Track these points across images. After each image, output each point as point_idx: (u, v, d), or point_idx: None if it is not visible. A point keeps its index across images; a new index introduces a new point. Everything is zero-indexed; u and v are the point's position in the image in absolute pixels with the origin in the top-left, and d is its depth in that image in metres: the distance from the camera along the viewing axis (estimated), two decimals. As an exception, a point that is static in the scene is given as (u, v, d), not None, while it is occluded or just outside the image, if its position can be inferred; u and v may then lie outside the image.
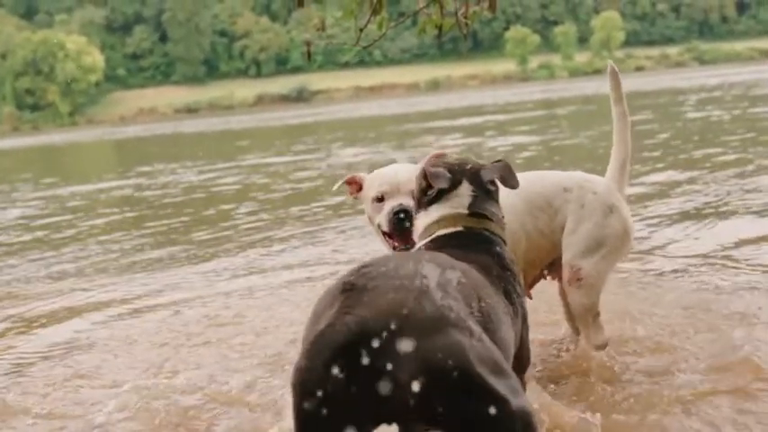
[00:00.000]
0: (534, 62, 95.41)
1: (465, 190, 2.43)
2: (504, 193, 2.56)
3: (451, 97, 56.61)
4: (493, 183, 2.47)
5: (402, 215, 2.91)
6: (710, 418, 2.68)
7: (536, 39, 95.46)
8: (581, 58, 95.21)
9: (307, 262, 5.84)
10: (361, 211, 3.34)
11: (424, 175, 2.47)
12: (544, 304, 3.61)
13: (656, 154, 10.78)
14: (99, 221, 9.86)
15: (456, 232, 2.39)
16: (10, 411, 3.31)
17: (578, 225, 3.11)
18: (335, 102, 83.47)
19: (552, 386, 3.06)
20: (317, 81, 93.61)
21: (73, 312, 4.96)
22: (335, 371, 1.64)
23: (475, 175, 2.45)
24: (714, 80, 39.50)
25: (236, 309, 4.64)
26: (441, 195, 2.45)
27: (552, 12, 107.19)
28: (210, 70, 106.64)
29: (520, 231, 3.04)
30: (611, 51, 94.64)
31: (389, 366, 1.63)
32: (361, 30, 4.23)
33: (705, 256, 4.92)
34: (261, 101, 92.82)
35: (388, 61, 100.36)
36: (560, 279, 3.26)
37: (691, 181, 8.16)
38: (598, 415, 2.68)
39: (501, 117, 25.60)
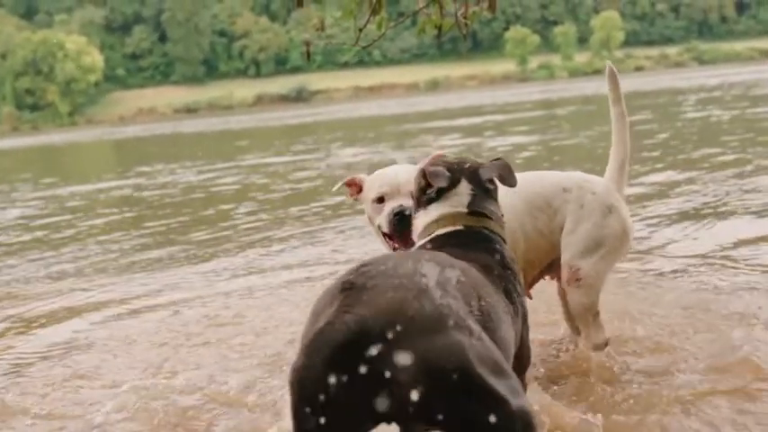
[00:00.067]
0: (534, 62, 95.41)
1: (464, 189, 2.43)
2: (503, 193, 2.56)
3: (451, 97, 56.62)
4: (491, 181, 2.47)
5: (402, 216, 2.91)
6: (710, 418, 2.68)
7: (536, 39, 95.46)
8: (580, 58, 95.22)
9: (306, 262, 5.84)
10: (361, 211, 3.34)
11: (423, 174, 2.47)
12: (543, 304, 3.62)
13: (655, 154, 10.78)
14: (98, 221, 9.85)
15: (456, 231, 2.39)
16: (9, 412, 3.31)
17: (577, 225, 3.11)
18: (335, 102, 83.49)
19: (552, 386, 3.06)
20: (316, 81, 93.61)
21: (72, 312, 4.96)
22: (334, 369, 1.63)
23: (473, 174, 2.45)
24: (714, 80, 39.52)
25: (236, 309, 4.64)
26: (440, 194, 2.45)
27: (552, 12, 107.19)
28: (210, 70, 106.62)
29: (519, 232, 3.04)
30: (611, 51, 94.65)
31: (388, 365, 1.62)
32: (361, 30, 4.23)
33: (704, 256, 4.92)
34: (260, 101, 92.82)
35: (388, 61, 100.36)
36: (559, 279, 3.26)
37: (690, 181, 8.16)
38: (599, 416, 2.68)
39: (500, 117, 25.59)
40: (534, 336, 2.88)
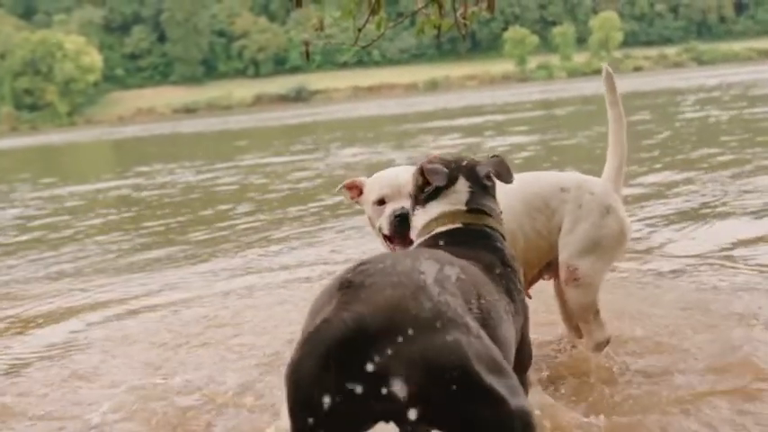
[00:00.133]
0: (533, 62, 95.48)
1: (462, 186, 2.43)
2: (501, 194, 2.56)
3: (450, 97, 56.64)
4: (489, 178, 2.47)
5: (403, 218, 2.91)
6: (709, 418, 2.68)
7: (534, 39, 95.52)
8: (579, 58, 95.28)
9: (304, 262, 5.84)
10: (359, 212, 3.34)
11: (421, 172, 2.46)
12: (542, 304, 3.61)
13: (654, 154, 10.79)
14: (97, 221, 9.85)
15: (455, 229, 2.38)
16: (8, 413, 3.30)
17: (575, 225, 3.11)
18: (334, 102, 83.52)
19: (551, 387, 3.05)
20: (315, 81, 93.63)
21: (71, 313, 4.95)
22: (331, 365, 1.62)
23: (471, 171, 2.45)
24: (712, 80, 39.55)
25: (234, 309, 4.63)
26: (438, 192, 2.44)
27: (551, 12, 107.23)
28: (209, 70, 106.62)
29: (518, 232, 3.04)
30: (610, 52, 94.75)
31: (386, 363, 1.62)
32: (360, 30, 4.23)
33: (703, 256, 4.92)
34: (259, 101, 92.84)
35: (387, 61, 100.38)
36: (557, 279, 3.27)
37: (688, 181, 8.17)
38: (601, 416, 2.68)
39: (499, 117, 25.60)
40: (533, 336, 2.86)
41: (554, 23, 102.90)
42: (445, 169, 2.42)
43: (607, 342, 3.21)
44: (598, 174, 3.33)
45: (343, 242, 6.53)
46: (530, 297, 3.19)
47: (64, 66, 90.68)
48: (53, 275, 6.32)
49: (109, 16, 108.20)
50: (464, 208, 2.41)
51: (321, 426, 1.64)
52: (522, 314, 2.27)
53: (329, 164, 14.67)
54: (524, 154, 12.84)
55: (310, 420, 1.64)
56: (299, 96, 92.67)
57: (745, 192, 7.18)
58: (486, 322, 1.88)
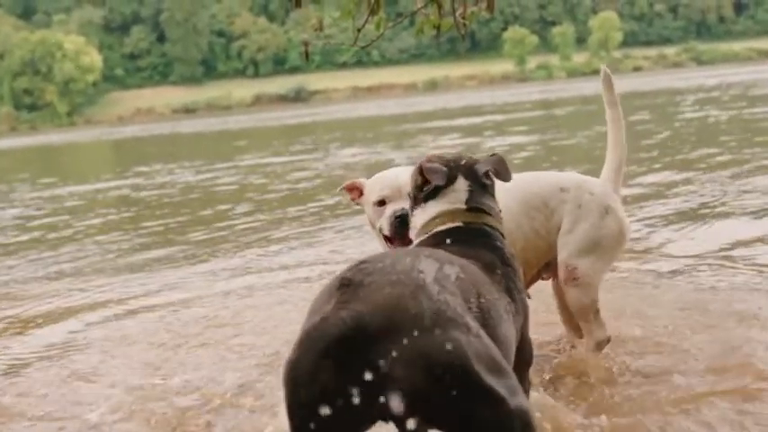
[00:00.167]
0: (532, 62, 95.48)
1: (461, 185, 2.42)
2: (500, 194, 2.56)
3: (449, 97, 56.64)
4: (488, 176, 2.46)
5: (403, 219, 2.91)
6: (709, 419, 2.67)
7: (534, 39, 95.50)
8: (579, 58, 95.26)
9: (304, 262, 5.84)
10: (359, 212, 3.34)
11: (420, 171, 2.45)
12: (542, 305, 3.61)
13: (653, 154, 10.79)
14: (96, 221, 9.85)
15: (455, 228, 2.38)
16: (7, 413, 3.30)
17: (575, 225, 3.12)
18: (333, 102, 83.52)
19: (550, 387, 3.05)
20: (314, 81, 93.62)
21: (70, 313, 4.95)
22: (329, 364, 1.62)
23: (470, 170, 2.44)
24: (712, 80, 39.55)
25: (234, 309, 4.63)
26: (437, 191, 2.43)
27: (550, 12, 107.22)
28: (208, 70, 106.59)
29: (516, 232, 3.04)
30: (609, 52, 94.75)
31: (385, 362, 1.61)
32: (359, 30, 4.23)
33: (702, 256, 4.92)
34: (259, 101, 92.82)
35: (386, 61, 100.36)
36: (556, 279, 3.27)
37: (688, 181, 8.17)
38: (602, 417, 2.68)
39: (499, 117, 25.60)
40: (532, 336, 2.87)
41: (553, 23, 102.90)
42: (444, 168, 2.42)
43: (607, 341, 3.21)
44: (597, 174, 3.34)
45: (342, 242, 6.53)
46: (529, 297, 3.19)
47: (63, 66, 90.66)
48: (52, 275, 6.32)
49: (108, 16, 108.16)
50: (464, 207, 2.40)
51: (319, 424, 1.63)
52: (522, 313, 2.26)
53: (328, 164, 14.67)
54: (524, 154, 12.85)
55: (308, 419, 1.63)
56: (299, 96, 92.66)
57: (745, 192, 7.19)
58: (486, 321, 1.87)
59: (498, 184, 2.53)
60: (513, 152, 12.90)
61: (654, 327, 3.58)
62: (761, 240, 5.19)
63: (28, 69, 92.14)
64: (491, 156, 2.54)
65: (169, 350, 3.95)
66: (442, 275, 1.82)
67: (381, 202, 3.04)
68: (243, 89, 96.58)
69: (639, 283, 4.43)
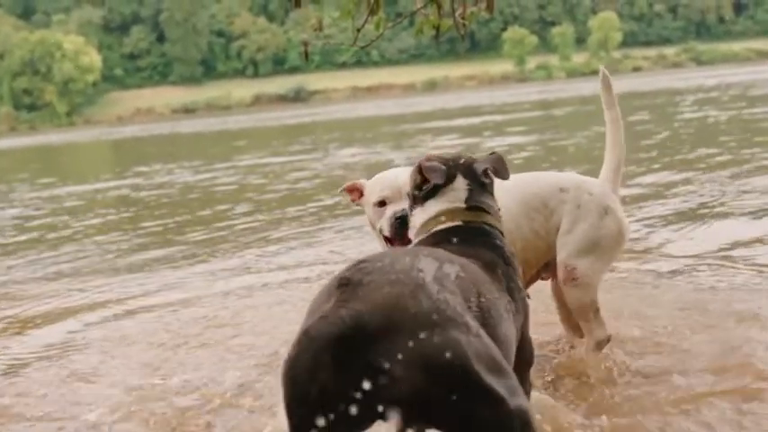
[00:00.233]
0: (532, 63, 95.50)
1: (460, 184, 2.42)
2: (499, 195, 2.55)
3: (449, 98, 56.65)
4: (487, 175, 2.46)
5: (404, 220, 2.91)
6: (709, 419, 2.67)
7: (533, 39, 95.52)
8: (578, 58, 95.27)
9: (303, 262, 5.83)
10: (358, 212, 3.34)
11: (419, 170, 2.45)
12: (541, 305, 3.61)
13: (652, 155, 10.79)
14: (96, 222, 9.84)
15: (455, 227, 2.37)
16: (6, 414, 3.29)
17: (574, 225, 3.12)
18: (333, 102, 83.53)
19: (549, 388, 3.05)
20: (314, 81, 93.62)
21: (69, 313, 4.94)
22: (328, 362, 1.61)
23: (469, 169, 2.44)
24: (711, 81, 39.56)
25: (233, 309, 4.62)
26: (436, 190, 2.43)
27: (550, 12, 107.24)
28: (208, 70, 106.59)
29: (516, 233, 3.04)
30: (609, 52, 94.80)
31: (383, 360, 1.61)
32: (359, 30, 4.23)
33: (702, 256, 4.92)
34: (258, 101, 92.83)
35: (386, 61, 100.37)
36: (554, 279, 3.28)
37: (687, 182, 8.17)
38: (602, 417, 2.68)
39: (498, 117, 25.60)
40: (532, 336, 2.87)
41: (553, 24, 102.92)
42: (443, 166, 2.42)
43: (608, 340, 3.22)
44: (596, 174, 3.34)
45: (341, 242, 6.53)
46: (528, 297, 3.19)
47: (63, 66, 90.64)
48: (51, 276, 6.32)
49: (108, 16, 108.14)
50: (463, 206, 2.40)
51: (317, 423, 1.62)
52: (522, 312, 2.26)
53: (328, 164, 14.67)
54: (523, 154, 12.85)
55: (307, 417, 1.62)
56: (298, 96, 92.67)
57: (744, 192, 7.19)
58: (486, 321, 1.87)
59: (497, 185, 2.53)
60: (513, 152, 12.90)
61: (653, 327, 3.58)
62: (760, 240, 5.19)
63: (27, 69, 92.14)
64: (490, 155, 2.54)
65: (168, 350, 3.94)
66: (441, 274, 1.81)
67: (382, 203, 3.04)
68: (242, 89, 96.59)
69: (639, 283, 4.42)
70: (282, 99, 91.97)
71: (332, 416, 1.62)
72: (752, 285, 4.17)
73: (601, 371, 3.14)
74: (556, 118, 23.93)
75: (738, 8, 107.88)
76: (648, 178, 8.62)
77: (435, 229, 2.40)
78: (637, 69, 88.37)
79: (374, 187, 3.09)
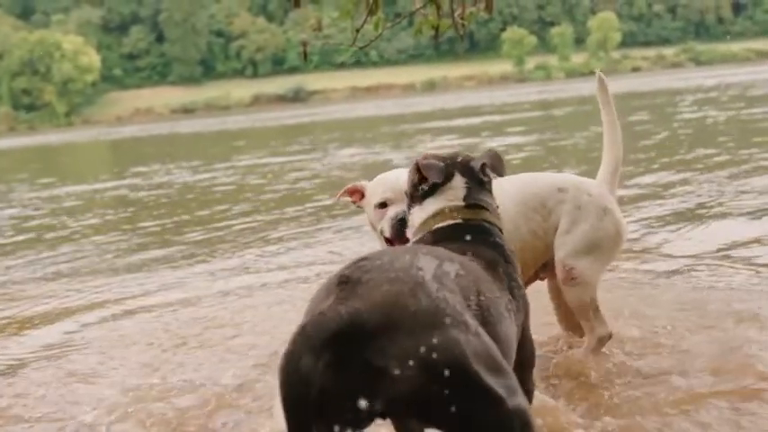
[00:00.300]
0: (531, 63, 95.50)
1: (458, 182, 2.41)
2: (497, 195, 2.55)
3: (448, 98, 56.65)
4: (484, 171, 2.45)
5: (405, 221, 2.91)
6: (708, 420, 2.67)
7: (533, 40, 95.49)
8: (577, 58, 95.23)
9: (302, 262, 5.83)
10: (356, 212, 3.34)
11: (417, 169, 2.45)
12: (539, 305, 3.61)
13: (651, 155, 10.80)
14: (94, 222, 9.84)
15: (455, 224, 2.37)
16: (5, 415, 3.29)
17: (573, 226, 3.12)
18: (332, 102, 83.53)
19: (549, 388, 3.05)
20: (313, 81, 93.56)
21: (67, 313, 4.94)
22: (325, 358, 1.60)
23: (466, 167, 2.44)
24: (710, 81, 39.57)
25: (233, 309, 4.62)
26: (434, 189, 2.43)
27: (549, 13, 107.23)
28: (207, 70, 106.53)
29: (514, 234, 3.03)
30: (608, 52, 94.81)
31: (381, 358, 1.60)
32: (358, 30, 4.23)
33: (700, 256, 4.92)
34: (257, 101, 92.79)
35: (385, 62, 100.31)
36: (551, 279, 3.28)
37: (685, 182, 8.17)
38: (602, 418, 2.68)
39: (497, 118, 25.61)
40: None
41: (552, 24, 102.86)
42: (441, 164, 2.42)
43: (609, 337, 3.23)
44: (595, 175, 3.34)
45: (340, 242, 6.53)
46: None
47: (62, 66, 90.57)
48: (50, 276, 6.31)
49: (107, 16, 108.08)
50: (462, 203, 2.39)
51: (313, 419, 1.61)
52: (523, 311, 2.25)
53: (327, 164, 14.67)
54: (522, 154, 12.85)
55: (303, 413, 1.60)
56: (297, 97, 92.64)
57: (742, 192, 7.19)
58: (486, 319, 1.86)
59: (496, 187, 2.52)
60: (512, 152, 12.90)
61: (652, 327, 3.58)
62: (758, 241, 5.20)
63: (26, 69, 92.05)
64: (487, 152, 2.54)
65: (167, 350, 3.94)
66: (441, 273, 1.81)
67: (383, 205, 3.05)
68: (241, 89, 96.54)
69: (638, 283, 4.43)
70: (281, 99, 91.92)
71: (329, 413, 1.61)
72: (750, 285, 4.17)
73: (600, 371, 3.14)
74: (555, 118, 23.94)
75: (737, 8, 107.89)
76: (647, 178, 8.63)
77: (434, 227, 2.39)
78: (636, 70, 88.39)
79: (376, 189, 3.10)
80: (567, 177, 3.28)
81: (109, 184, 14.92)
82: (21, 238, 8.94)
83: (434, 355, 1.61)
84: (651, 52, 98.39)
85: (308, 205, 9.02)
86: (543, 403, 2.75)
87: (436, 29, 4.27)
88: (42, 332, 4.55)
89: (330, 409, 1.61)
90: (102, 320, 4.71)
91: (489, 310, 1.91)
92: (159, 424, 3.01)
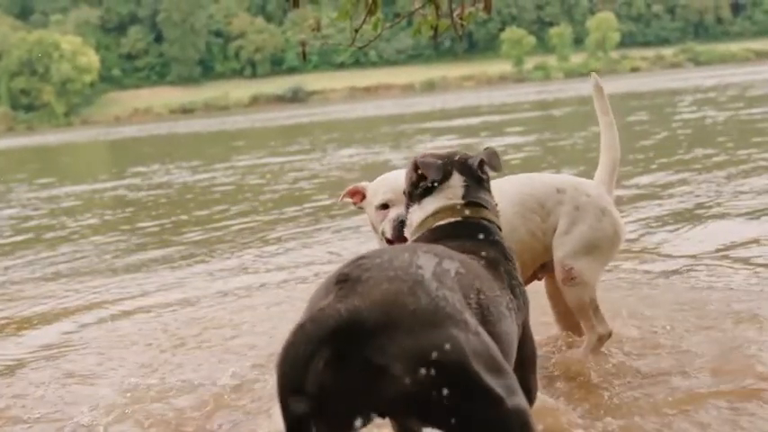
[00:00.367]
0: (530, 63, 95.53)
1: (456, 180, 2.41)
2: (496, 196, 2.55)
3: (447, 98, 56.66)
4: (482, 168, 2.45)
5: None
6: (707, 420, 2.67)
7: (531, 40, 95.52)
8: (576, 59, 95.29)
9: (301, 262, 5.83)
10: (355, 212, 3.34)
11: (416, 168, 2.45)
12: (537, 304, 3.61)
13: (649, 155, 10.80)
14: (93, 222, 9.84)
15: (455, 223, 2.36)
16: (4, 415, 3.29)
17: (572, 226, 3.13)
18: (331, 102, 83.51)
19: (549, 389, 3.05)
20: (312, 81, 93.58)
21: (66, 313, 4.94)
22: (323, 354, 1.59)
23: (464, 165, 2.44)
24: (709, 81, 39.59)
25: (232, 310, 4.62)
26: (433, 188, 2.43)
27: (548, 13, 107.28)
28: (206, 71, 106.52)
29: (512, 235, 3.03)
30: (607, 52, 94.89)
31: (381, 357, 1.59)
32: (357, 30, 4.23)
33: (699, 256, 4.92)
34: (256, 101, 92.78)
35: (384, 62, 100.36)
36: (549, 279, 3.28)
37: (684, 182, 8.17)
38: (601, 418, 2.68)
39: (496, 118, 25.62)
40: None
41: (551, 24, 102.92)
42: (439, 162, 2.41)
43: (609, 335, 3.23)
44: (593, 175, 3.35)
45: (339, 242, 6.52)
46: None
47: (60, 66, 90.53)
48: (49, 276, 6.31)
49: (105, 16, 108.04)
50: (461, 202, 2.39)
51: (311, 416, 1.59)
52: (524, 309, 2.24)
53: (326, 164, 14.67)
54: (521, 154, 12.85)
55: (299, 409, 1.58)
56: (296, 97, 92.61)
57: (741, 192, 7.19)
58: (486, 318, 1.86)
59: (494, 188, 2.52)
60: (511, 152, 12.90)
61: (652, 327, 3.58)
62: (756, 241, 5.20)
63: (25, 69, 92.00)
64: (484, 150, 2.54)
65: (166, 351, 3.94)
66: (440, 271, 1.80)
67: (384, 206, 3.04)
68: (240, 89, 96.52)
69: (637, 283, 4.43)
70: (280, 99, 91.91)
71: (326, 410, 1.60)
72: (749, 286, 4.17)
73: (599, 371, 3.14)
74: (554, 118, 23.95)
75: (736, 9, 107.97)
76: (646, 179, 8.63)
77: (434, 225, 2.39)
78: (635, 70, 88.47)
79: (377, 190, 3.09)
80: (566, 178, 3.29)
81: (108, 185, 14.92)
82: (19, 238, 8.93)
83: (434, 354, 1.60)
84: (650, 52, 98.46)
85: (307, 205, 9.02)
86: (543, 403, 2.74)
87: (435, 29, 4.27)
88: (41, 332, 4.55)
89: (329, 407, 1.60)
90: (100, 321, 4.71)
91: (489, 309, 1.91)
92: (157, 424, 3.01)
